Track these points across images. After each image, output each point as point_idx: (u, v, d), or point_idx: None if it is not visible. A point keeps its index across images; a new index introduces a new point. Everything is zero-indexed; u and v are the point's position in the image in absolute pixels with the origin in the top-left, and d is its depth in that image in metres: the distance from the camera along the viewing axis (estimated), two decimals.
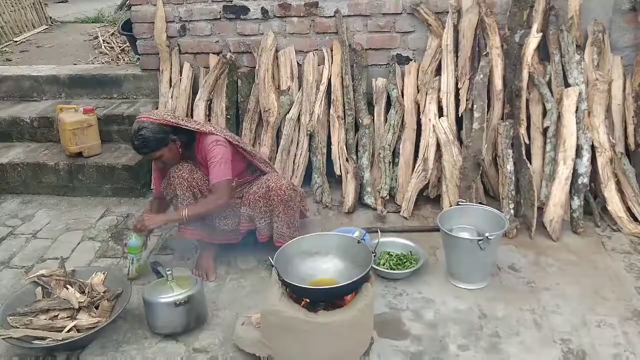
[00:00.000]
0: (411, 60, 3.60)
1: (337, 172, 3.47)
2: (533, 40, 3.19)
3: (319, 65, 3.65)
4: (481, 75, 3.24)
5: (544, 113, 3.19)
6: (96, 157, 3.75)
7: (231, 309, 2.52)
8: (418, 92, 3.48)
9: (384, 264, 2.71)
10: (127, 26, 4.18)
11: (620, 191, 3.11)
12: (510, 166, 3.10)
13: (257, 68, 3.66)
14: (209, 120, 3.71)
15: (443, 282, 2.65)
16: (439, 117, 3.35)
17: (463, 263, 2.58)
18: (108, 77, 4.22)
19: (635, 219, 3.04)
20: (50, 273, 2.52)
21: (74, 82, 4.26)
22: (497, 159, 3.21)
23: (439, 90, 3.39)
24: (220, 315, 2.49)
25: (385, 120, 3.51)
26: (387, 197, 3.34)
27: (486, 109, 3.24)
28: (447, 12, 3.40)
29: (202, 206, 2.67)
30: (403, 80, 3.55)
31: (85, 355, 2.28)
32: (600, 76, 3.16)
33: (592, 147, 3.08)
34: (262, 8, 3.66)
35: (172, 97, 3.82)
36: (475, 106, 3.22)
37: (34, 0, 7.37)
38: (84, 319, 2.33)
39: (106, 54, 5.75)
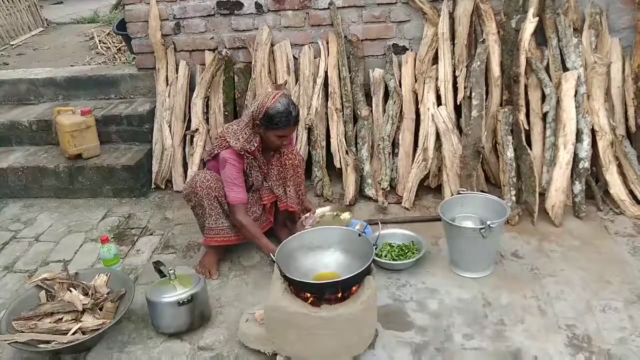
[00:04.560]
0: (408, 49, 3.58)
1: (337, 165, 3.46)
2: (529, 25, 3.16)
3: (315, 58, 3.63)
4: (478, 63, 3.22)
5: (543, 98, 3.17)
6: (95, 159, 3.74)
7: (235, 306, 2.52)
8: (416, 81, 3.46)
9: (385, 256, 2.71)
10: (122, 26, 4.16)
11: (622, 174, 3.09)
12: (510, 153, 3.08)
13: (253, 63, 3.65)
14: (207, 117, 3.71)
15: (446, 272, 2.64)
16: (438, 106, 3.33)
17: (466, 252, 2.57)
18: (105, 78, 4.21)
19: (638, 202, 3.03)
20: (53, 276, 2.52)
21: (71, 83, 4.25)
22: (497, 146, 3.19)
23: (437, 79, 3.37)
24: (225, 312, 2.49)
25: (384, 111, 3.49)
26: (388, 189, 3.33)
27: (484, 96, 3.22)
28: None
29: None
30: (400, 70, 3.53)
31: (91, 357, 2.29)
32: (598, 59, 3.14)
33: (593, 131, 3.06)
34: (256, 3, 3.64)
35: (169, 95, 3.81)
36: (473, 94, 3.20)
37: (29, 2, 7.36)
38: (88, 321, 2.33)
39: (103, 54, 5.74)
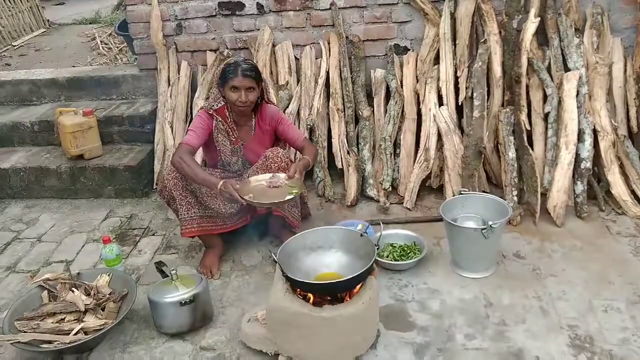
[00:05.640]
0: (409, 50, 3.58)
1: (339, 165, 3.46)
2: (531, 26, 3.16)
3: (316, 59, 3.63)
4: (480, 63, 3.22)
5: (545, 98, 3.17)
6: (97, 159, 3.75)
7: (237, 306, 2.53)
8: (417, 82, 3.46)
9: (387, 256, 2.71)
10: (124, 26, 4.18)
11: (624, 174, 3.09)
12: (512, 153, 3.08)
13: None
14: None
15: (448, 272, 2.64)
16: (439, 107, 3.33)
17: (467, 252, 2.57)
18: (106, 78, 4.21)
19: None
20: (56, 276, 2.53)
21: (73, 84, 4.26)
22: (499, 146, 3.19)
23: (438, 79, 3.37)
24: (226, 312, 2.49)
25: (385, 111, 3.49)
26: (390, 189, 3.33)
27: (486, 97, 3.22)
28: (444, 0, 3.38)
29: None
30: (402, 71, 3.53)
31: (94, 357, 2.30)
32: (600, 59, 3.13)
33: (594, 131, 3.06)
34: (257, 3, 3.64)
35: (171, 95, 3.81)
36: (475, 94, 3.20)
37: (31, 3, 7.37)
38: (90, 321, 2.34)
39: (104, 54, 5.74)
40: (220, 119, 2.75)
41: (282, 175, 2.65)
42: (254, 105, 2.75)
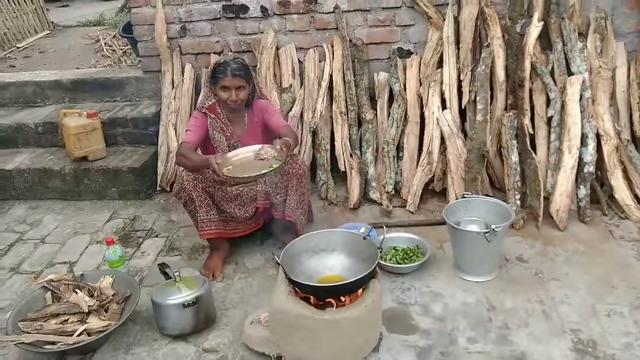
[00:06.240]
0: (412, 53, 3.58)
1: (342, 168, 3.47)
2: (534, 30, 3.16)
3: (320, 62, 3.64)
4: (483, 67, 3.22)
5: (548, 102, 3.17)
6: (101, 161, 3.76)
7: (240, 308, 2.53)
8: (420, 85, 3.46)
9: (390, 259, 2.71)
10: (128, 29, 4.19)
11: (627, 178, 3.08)
12: (515, 157, 3.09)
13: (258, 67, 3.66)
14: None
15: (451, 276, 2.64)
16: (442, 110, 3.34)
17: (470, 256, 2.57)
18: (110, 81, 4.23)
19: None
20: (59, 278, 2.54)
21: (77, 86, 4.27)
22: (502, 150, 3.19)
23: (442, 82, 3.37)
24: (229, 314, 2.50)
25: (388, 114, 3.50)
26: (393, 192, 3.33)
27: (489, 100, 3.23)
28: (447, 3, 3.38)
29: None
30: (405, 74, 3.53)
31: (97, 359, 2.30)
32: (603, 63, 3.14)
33: (597, 135, 3.06)
34: (261, 6, 3.65)
35: (174, 98, 3.82)
36: (478, 98, 3.21)
37: (35, 5, 7.41)
38: (94, 323, 2.34)
39: (108, 57, 5.78)
40: (213, 116, 2.81)
41: (269, 147, 2.59)
42: (245, 102, 2.80)
